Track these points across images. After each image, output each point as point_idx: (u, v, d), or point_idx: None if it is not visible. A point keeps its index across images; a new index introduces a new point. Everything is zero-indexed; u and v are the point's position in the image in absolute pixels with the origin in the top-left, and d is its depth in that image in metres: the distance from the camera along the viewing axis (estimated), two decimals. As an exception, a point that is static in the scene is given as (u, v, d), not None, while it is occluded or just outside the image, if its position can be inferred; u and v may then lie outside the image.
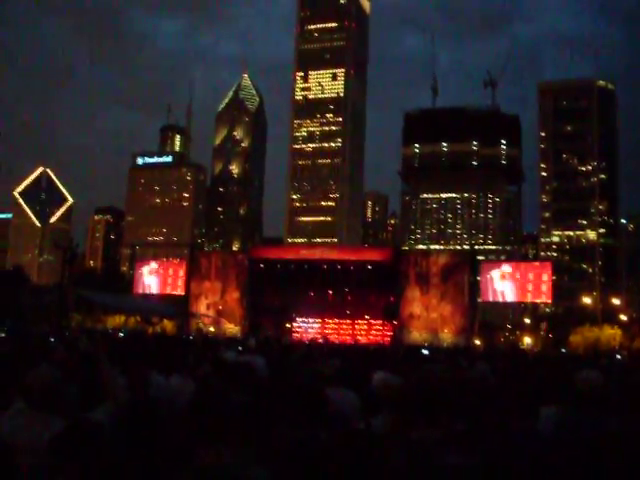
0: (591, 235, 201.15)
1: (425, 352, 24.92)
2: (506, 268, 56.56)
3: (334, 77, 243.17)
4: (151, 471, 3.79)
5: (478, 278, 54.32)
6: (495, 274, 55.20)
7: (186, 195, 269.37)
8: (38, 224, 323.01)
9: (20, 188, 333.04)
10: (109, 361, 5.25)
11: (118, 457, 3.72)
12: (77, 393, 4.77)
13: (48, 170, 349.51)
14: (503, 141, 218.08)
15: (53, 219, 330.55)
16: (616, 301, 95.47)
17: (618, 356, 42.71)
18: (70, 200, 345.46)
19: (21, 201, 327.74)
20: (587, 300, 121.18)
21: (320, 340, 42.96)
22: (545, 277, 55.71)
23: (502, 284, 54.31)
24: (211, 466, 3.29)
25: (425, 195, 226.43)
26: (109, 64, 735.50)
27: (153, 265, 65.57)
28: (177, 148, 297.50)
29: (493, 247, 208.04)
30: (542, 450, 4.48)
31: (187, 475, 3.35)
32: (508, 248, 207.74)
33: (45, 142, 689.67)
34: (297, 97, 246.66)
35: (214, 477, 3.27)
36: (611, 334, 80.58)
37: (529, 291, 55.44)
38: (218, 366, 7.07)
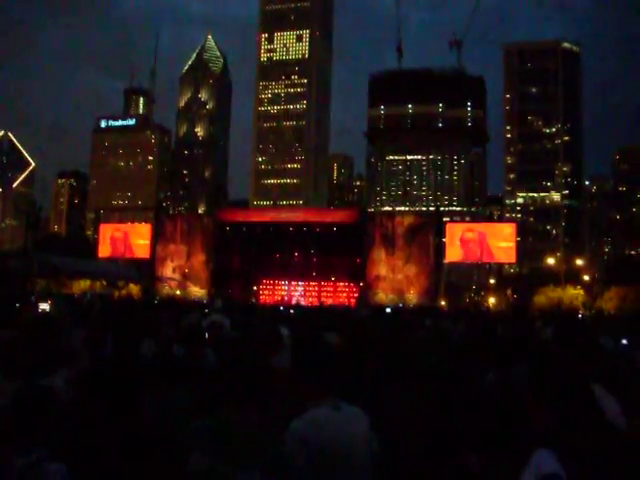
0: (555, 197, 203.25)
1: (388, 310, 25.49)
2: (471, 229, 56.86)
3: (299, 38, 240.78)
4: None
5: (443, 239, 54.55)
6: (460, 235, 55.48)
7: (150, 158, 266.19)
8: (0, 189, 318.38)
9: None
10: (72, 325, 5.25)
11: (76, 421, 3.72)
12: (37, 356, 4.75)
13: (9, 133, 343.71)
14: (469, 103, 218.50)
15: (15, 183, 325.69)
16: (579, 262, 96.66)
17: (580, 315, 43.55)
18: (32, 164, 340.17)
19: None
20: (551, 261, 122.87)
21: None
22: (510, 238, 56.10)
23: (467, 245, 54.63)
24: (246, 430, 3.34)
25: (391, 157, 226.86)
26: (71, 26, 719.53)
27: (116, 228, 64.74)
28: (141, 110, 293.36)
29: (458, 208, 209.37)
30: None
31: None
32: (473, 209, 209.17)
33: (6, 105, 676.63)
34: (262, 59, 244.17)
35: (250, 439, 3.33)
36: (574, 294, 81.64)
37: (494, 252, 55.74)
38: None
